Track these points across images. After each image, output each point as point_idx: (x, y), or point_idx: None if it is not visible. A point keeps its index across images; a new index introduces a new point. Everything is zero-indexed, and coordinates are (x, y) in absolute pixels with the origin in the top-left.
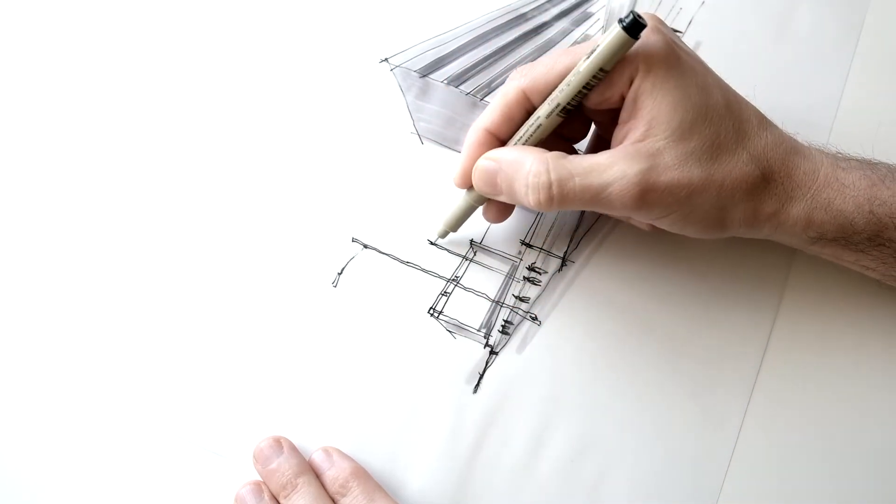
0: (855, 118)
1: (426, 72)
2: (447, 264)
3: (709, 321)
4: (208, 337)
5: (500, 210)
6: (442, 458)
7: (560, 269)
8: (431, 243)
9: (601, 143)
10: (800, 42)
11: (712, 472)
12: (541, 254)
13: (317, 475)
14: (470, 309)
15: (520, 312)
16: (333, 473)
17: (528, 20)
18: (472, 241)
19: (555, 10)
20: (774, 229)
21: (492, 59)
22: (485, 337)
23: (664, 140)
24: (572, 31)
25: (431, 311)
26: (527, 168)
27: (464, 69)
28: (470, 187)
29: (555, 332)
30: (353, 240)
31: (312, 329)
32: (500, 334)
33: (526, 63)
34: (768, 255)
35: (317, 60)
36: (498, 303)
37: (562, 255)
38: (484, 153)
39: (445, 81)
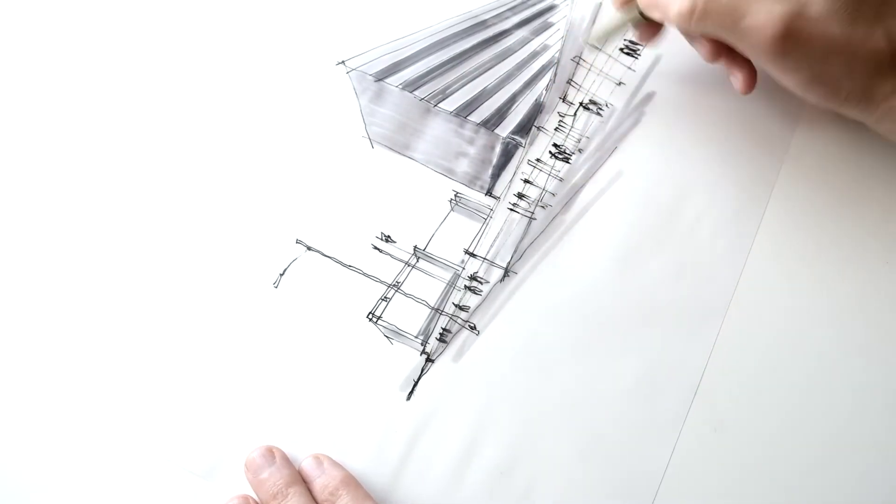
0: None
1: (382, 76)
2: (389, 270)
3: (649, 337)
4: (143, 332)
5: (650, 30)
6: (370, 464)
7: (502, 280)
8: (590, 45)
9: None
10: None
11: (645, 486)
12: (483, 263)
13: (307, 482)
14: (409, 315)
15: (458, 321)
16: (323, 481)
17: (487, 27)
18: (415, 247)
19: (515, 19)
20: (885, 113)
21: (448, 66)
22: (422, 344)
23: None
24: (532, 40)
25: (370, 316)
26: None
27: (419, 74)
28: (625, 2)
29: (492, 343)
30: (298, 241)
31: (250, 329)
32: (437, 342)
33: (484, 68)
34: (716, 268)
35: (272, 61)
36: (437, 310)
37: (504, 266)
38: None
39: (400, 86)
